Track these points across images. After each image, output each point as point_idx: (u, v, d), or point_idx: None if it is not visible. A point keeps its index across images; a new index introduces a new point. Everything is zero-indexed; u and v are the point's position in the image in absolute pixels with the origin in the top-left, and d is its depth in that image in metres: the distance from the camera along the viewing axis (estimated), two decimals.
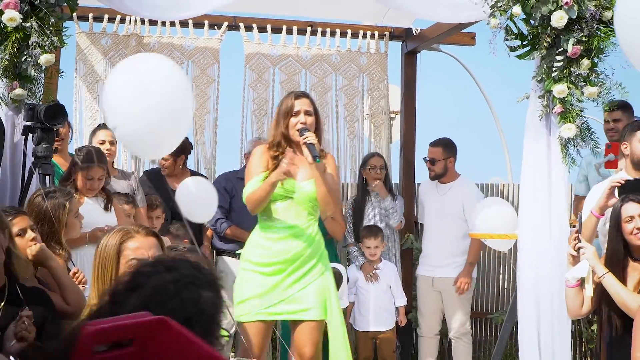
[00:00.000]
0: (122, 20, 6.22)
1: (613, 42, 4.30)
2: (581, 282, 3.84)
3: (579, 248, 3.80)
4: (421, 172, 6.51)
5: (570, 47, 4.28)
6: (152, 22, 6.24)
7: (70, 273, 3.72)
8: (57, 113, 4.29)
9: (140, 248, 2.42)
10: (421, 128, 7.03)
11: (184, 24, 6.32)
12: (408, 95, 6.95)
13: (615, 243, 3.85)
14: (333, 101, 6.80)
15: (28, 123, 4.29)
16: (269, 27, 6.59)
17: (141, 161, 6.33)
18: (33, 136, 4.29)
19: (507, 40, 4.50)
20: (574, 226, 4.44)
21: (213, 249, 6.07)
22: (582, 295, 3.85)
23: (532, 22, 4.42)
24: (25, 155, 4.36)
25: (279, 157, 4.16)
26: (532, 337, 4.48)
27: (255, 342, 4.15)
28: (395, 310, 5.89)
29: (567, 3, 4.23)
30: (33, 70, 4.33)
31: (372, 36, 6.87)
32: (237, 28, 6.57)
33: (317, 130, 4.23)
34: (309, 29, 6.72)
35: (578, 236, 3.82)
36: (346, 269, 5.92)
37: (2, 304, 2.96)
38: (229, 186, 5.86)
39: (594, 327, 6.05)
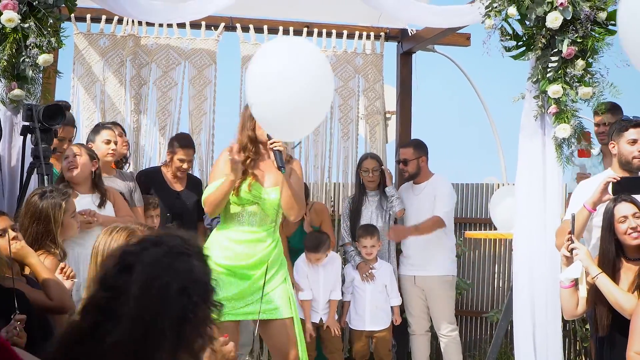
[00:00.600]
0: (120, 21, 6.24)
1: (607, 43, 4.34)
2: (575, 283, 3.86)
3: (572, 249, 3.82)
4: None
5: (565, 48, 4.30)
6: (150, 23, 6.24)
7: (58, 268, 3.73)
8: (55, 113, 4.31)
9: None
10: (416, 128, 7.07)
11: (181, 25, 6.33)
12: (403, 95, 6.98)
13: (608, 243, 3.86)
14: None
15: (26, 123, 4.31)
16: (265, 28, 6.61)
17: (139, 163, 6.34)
18: (31, 136, 4.31)
19: (503, 40, 4.53)
20: None
21: None
22: (577, 295, 3.87)
23: (527, 22, 4.44)
24: (23, 155, 4.37)
25: (246, 161, 4.22)
26: (527, 335, 4.50)
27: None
28: (390, 310, 5.91)
29: (562, 4, 4.25)
30: (31, 71, 4.33)
31: (368, 37, 6.90)
32: (233, 29, 6.59)
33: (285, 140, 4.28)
34: (305, 29, 6.75)
35: (571, 237, 3.84)
36: (342, 268, 5.96)
37: None
38: None
39: (588, 325, 6.09)
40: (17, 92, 4.32)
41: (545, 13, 4.31)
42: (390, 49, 7.05)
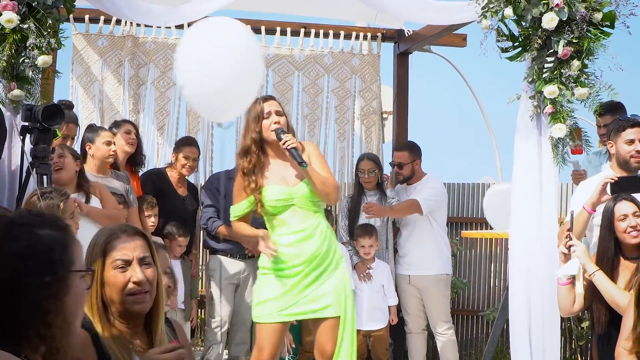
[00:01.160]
0: (118, 22, 6.27)
1: (603, 45, 4.37)
2: (572, 280, 3.90)
3: (570, 246, 3.85)
4: None
5: (561, 49, 4.32)
6: (148, 24, 6.27)
7: None
8: (54, 113, 4.32)
9: (125, 248, 2.39)
10: (413, 128, 7.11)
11: (179, 25, 6.34)
12: (400, 95, 7.01)
13: (607, 241, 3.90)
14: (324, 103, 6.86)
15: (26, 123, 4.32)
16: (263, 28, 6.64)
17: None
18: (31, 136, 4.32)
19: (499, 41, 4.56)
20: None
21: (206, 248, 6.12)
22: (574, 293, 3.90)
23: (523, 23, 4.45)
24: (23, 155, 4.38)
25: (249, 167, 4.23)
26: (523, 334, 4.51)
27: (270, 342, 4.21)
28: (388, 309, 5.94)
29: (557, 5, 4.27)
30: (30, 72, 4.34)
31: (365, 37, 6.93)
32: None
33: (288, 129, 4.29)
34: (302, 30, 6.77)
35: (569, 234, 3.88)
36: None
37: None
38: (220, 186, 5.91)
39: (584, 324, 6.12)
40: (16, 92, 4.33)
41: (541, 14, 4.32)
42: (387, 50, 7.08)
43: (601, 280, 3.77)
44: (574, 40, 4.33)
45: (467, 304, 6.99)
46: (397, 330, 6.22)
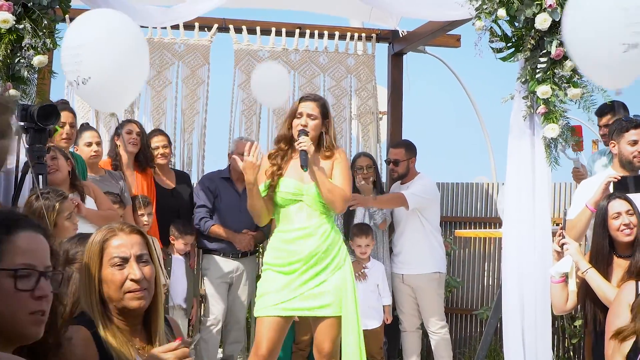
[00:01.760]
0: None
1: None
2: (565, 278, 3.93)
3: (563, 244, 3.89)
4: None
5: (554, 49, 4.34)
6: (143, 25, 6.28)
7: None
8: (50, 113, 4.33)
9: (122, 245, 2.39)
10: (407, 128, 7.14)
11: (174, 26, 6.38)
12: (395, 95, 7.04)
13: (601, 239, 3.94)
14: None
15: (21, 123, 4.33)
16: (258, 29, 6.66)
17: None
18: (26, 136, 4.33)
19: (492, 41, 4.58)
20: (557, 224, 4.54)
21: (200, 248, 6.14)
22: (567, 291, 3.93)
23: (517, 24, 4.47)
24: (18, 155, 4.39)
25: (276, 155, 4.37)
26: (516, 332, 4.53)
27: (268, 337, 4.24)
28: (382, 309, 5.96)
29: (550, 5, 4.29)
30: (26, 72, 4.35)
31: (360, 38, 6.95)
32: (226, 30, 6.64)
33: (327, 133, 4.38)
34: (297, 30, 6.80)
35: (562, 232, 3.91)
36: None
37: None
38: (212, 186, 5.94)
39: (577, 323, 6.15)
40: (12, 92, 4.34)
41: (534, 15, 4.34)
42: (382, 50, 7.11)
43: (594, 278, 3.80)
44: None
45: (460, 302, 7.02)
46: (392, 329, 6.25)
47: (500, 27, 4.53)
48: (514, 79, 4.59)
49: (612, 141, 4.46)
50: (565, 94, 4.39)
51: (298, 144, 4.25)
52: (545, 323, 4.47)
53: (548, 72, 4.41)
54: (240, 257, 5.93)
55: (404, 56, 7.04)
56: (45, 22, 4.39)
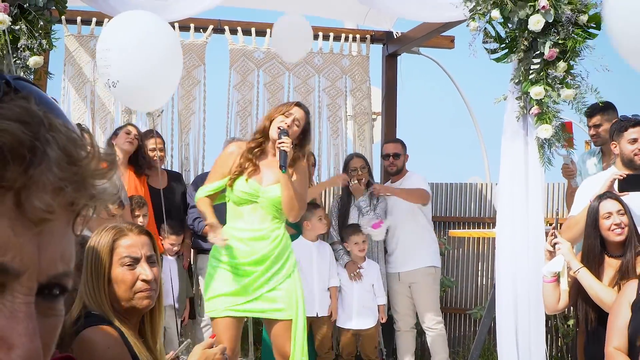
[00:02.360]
0: None
1: (589, 45, 4.42)
2: (557, 278, 3.96)
3: (555, 244, 3.92)
4: None
5: (547, 50, 4.36)
6: None
7: None
8: None
9: (133, 246, 2.39)
10: (402, 129, 7.17)
11: (170, 23, 6.38)
12: (389, 96, 7.06)
13: (592, 239, 3.95)
14: (316, 102, 6.91)
15: None
16: (253, 30, 6.68)
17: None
18: None
19: (486, 42, 4.60)
20: (550, 224, 4.57)
21: (194, 248, 6.15)
22: (559, 291, 3.95)
23: (510, 25, 4.50)
24: None
25: (255, 152, 4.30)
26: (509, 332, 4.56)
27: (227, 336, 4.24)
28: (377, 308, 5.98)
29: (544, 7, 4.31)
30: (22, 73, 4.36)
31: (354, 39, 6.98)
32: (222, 31, 6.66)
33: (302, 146, 4.33)
34: None
35: (554, 232, 3.94)
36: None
37: None
38: None
39: (570, 322, 6.19)
40: None
41: (528, 16, 4.36)
42: (376, 51, 7.15)
43: (586, 277, 3.82)
44: (560, 42, 4.38)
45: (454, 302, 7.04)
46: (386, 328, 6.28)
47: (494, 28, 4.56)
48: (508, 79, 4.62)
49: (613, 142, 4.48)
50: (559, 95, 4.41)
51: (280, 143, 4.16)
52: (539, 322, 4.50)
53: (541, 73, 4.43)
54: None
55: (398, 57, 7.07)
56: (41, 23, 4.40)
